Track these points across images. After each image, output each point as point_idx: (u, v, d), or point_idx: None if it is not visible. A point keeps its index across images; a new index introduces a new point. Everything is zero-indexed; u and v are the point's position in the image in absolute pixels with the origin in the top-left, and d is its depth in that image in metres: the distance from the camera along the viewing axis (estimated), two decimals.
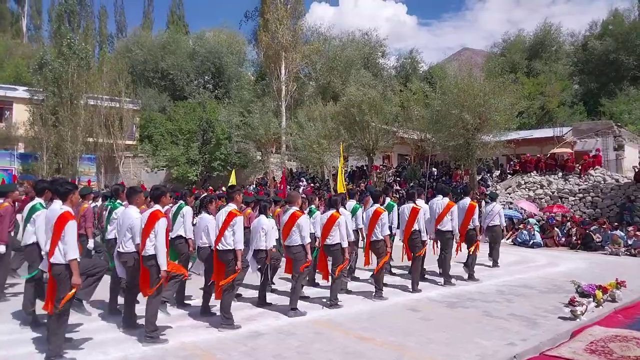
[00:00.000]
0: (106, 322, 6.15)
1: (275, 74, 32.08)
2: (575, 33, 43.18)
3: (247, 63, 43.41)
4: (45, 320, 5.63)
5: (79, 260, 4.89)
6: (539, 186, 19.72)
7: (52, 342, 4.80)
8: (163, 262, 5.38)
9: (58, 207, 5.20)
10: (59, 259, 4.78)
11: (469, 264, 9.39)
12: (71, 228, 4.79)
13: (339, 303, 7.11)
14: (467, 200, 9.62)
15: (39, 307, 6.04)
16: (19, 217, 7.21)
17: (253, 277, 7.46)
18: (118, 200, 7.12)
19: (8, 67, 39.28)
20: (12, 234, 7.21)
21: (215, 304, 6.53)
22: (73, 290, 4.80)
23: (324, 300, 7.32)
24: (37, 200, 6.25)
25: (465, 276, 9.38)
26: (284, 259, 7.39)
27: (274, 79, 32.23)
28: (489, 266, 10.93)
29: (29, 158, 27.90)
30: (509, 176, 22.42)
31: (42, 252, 5.76)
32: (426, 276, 9.40)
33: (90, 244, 8.04)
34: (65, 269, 4.79)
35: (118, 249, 5.80)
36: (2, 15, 51.27)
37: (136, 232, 5.60)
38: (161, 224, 5.43)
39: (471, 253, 9.39)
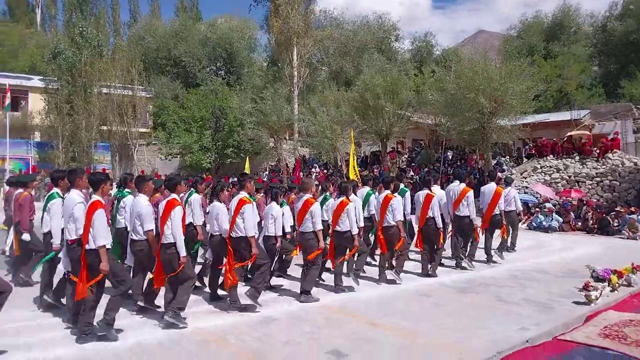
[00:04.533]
0: (122, 309, 6.25)
1: (287, 59, 31.93)
2: (595, 14, 42.13)
3: (259, 49, 43.30)
4: (65, 305, 5.79)
5: (108, 247, 5.08)
6: (555, 170, 19.43)
7: (83, 322, 5.06)
8: (181, 248, 5.51)
9: (76, 195, 5.33)
10: (91, 245, 4.99)
11: (502, 247, 9.74)
12: (100, 216, 5.02)
13: (345, 287, 7.20)
14: (493, 186, 9.65)
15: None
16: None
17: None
18: (127, 189, 7.17)
19: (23, 56, 39.70)
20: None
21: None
22: (100, 275, 5.02)
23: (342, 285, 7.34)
24: (55, 189, 6.34)
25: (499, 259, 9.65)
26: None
27: (286, 64, 32.09)
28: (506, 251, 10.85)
29: (45, 147, 28.34)
30: (525, 160, 22.13)
31: (52, 240, 5.90)
32: (442, 262, 9.38)
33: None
34: (95, 255, 4.98)
35: (131, 237, 5.91)
36: (17, 5, 51.68)
37: (144, 219, 5.68)
38: (177, 212, 5.56)
39: (505, 237, 9.76)
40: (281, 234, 7.01)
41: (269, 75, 37.40)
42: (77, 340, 5.03)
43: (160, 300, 6.06)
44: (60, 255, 5.72)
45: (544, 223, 15.04)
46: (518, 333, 5.31)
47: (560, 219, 15.11)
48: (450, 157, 24.22)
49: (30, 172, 23.17)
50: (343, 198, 7.12)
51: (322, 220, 7.09)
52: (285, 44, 31.87)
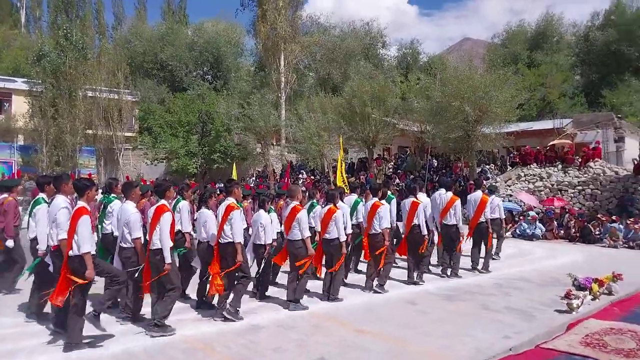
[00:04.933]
0: (107, 315, 6.21)
1: (275, 65, 31.98)
2: (577, 23, 42.92)
3: (246, 53, 43.25)
4: (51, 313, 5.72)
5: (93, 253, 5.04)
6: (538, 178, 19.74)
7: (70, 334, 5.01)
8: (167, 255, 5.51)
9: (61, 200, 5.31)
10: (75, 252, 4.95)
11: (487, 256, 9.73)
12: (85, 222, 4.98)
13: (338, 297, 7.18)
14: (479, 193, 9.76)
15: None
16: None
17: (252, 270, 7.53)
18: (112, 195, 7.14)
19: (6, 58, 39.06)
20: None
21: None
22: (85, 281, 4.97)
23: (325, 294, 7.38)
24: (40, 195, 6.29)
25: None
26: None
27: (273, 70, 32.13)
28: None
29: (28, 150, 27.89)
30: (509, 168, 22.45)
31: (38, 246, 5.84)
32: (429, 269, 9.50)
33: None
34: (79, 261, 4.93)
35: (120, 245, 5.88)
36: (1, 6, 50.96)
37: (132, 226, 5.67)
38: (166, 218, 5.57)
39: (490, 245, 9.73)
40: (270, 241, 7.02)
41: (256, 81, 37.38)
42: (64, 349, 4.98)
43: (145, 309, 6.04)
44: (47, 260, 5.68)
45: (527, 231, 15.27)
46: (502, 341, 5.40)
47: (543, 227, 15.36)
48: (435, 164, 24.44)
49: (15, 177, 22.80)
50: (331, 205, 7.17)
51: (310, 227, 7.11)
52: (273, 49, 31.93)
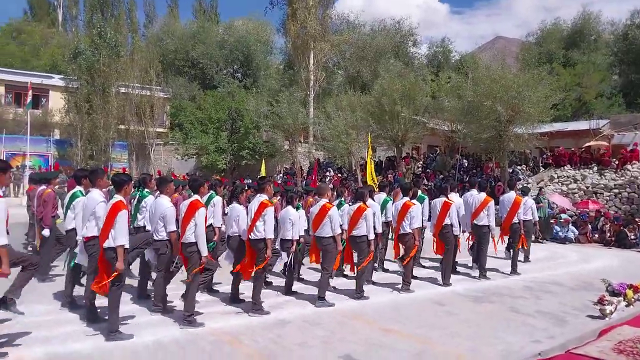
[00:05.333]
0: (138, 306, 6.36)
1: (304, 63, 32.06)
2: (616, 22, 41.43)
3: (275, 52, 43.53)
4: (84, 302, 5.91)
5: (127, 247, 5.20)
6: (572, 180, 19.23)
7: (110, 319, 5.18)
8: (203, 248, 5.64)
9: (97, 195, 5.50)
10: (110, 244, 5.11)
11: (514, 258, 9.58)
12: (123, 216, 5.15)
13: (364, 295, 7.17)
14: (512, 194, 9.64)
15: (78, 290, 6.38)
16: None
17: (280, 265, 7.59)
18: (146, 190, 7.31)
19: (44, 55, 40.42)
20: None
21: (243, 291, 6.72)
22: (115, 273, 5.11)
23: (352, 291, 7.38)
24: (78, 188, 6.50)
25: (507, 269, 9.50)
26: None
27: (302, 68, 32.20)
28: (520, 261, 10.80)
29: (64, 144, 28.83)
30: (542, 169, 21.92)
31: (77, 238, 6.06)
32: (457, 269, 9.40)
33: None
34: (113, 252, 5.10)
35: (153, 237, 6.02)
36: (38, 5, 52.65)
37: (168, 220, 5.79)
38: (201, 213, 5.69)
39: (518, 247, 9.60)
40: (298, 237, 7.07)
41: (285, 79, 37.57)
42: (105, 339, 5.12)
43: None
44: (77, 251, 5.87)
45: (560, 234, 14.90)
46: (531, 345, 5.30)
47: (576, 231, 14.96)
48: (465, 164, 24.08)
49: (52, 170, 23.60)
50: (360, 203, 7.15)
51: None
52: (302, 47, 31.99)
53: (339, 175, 26.15)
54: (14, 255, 4.99)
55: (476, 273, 8.95)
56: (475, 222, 8.87)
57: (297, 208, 7.38)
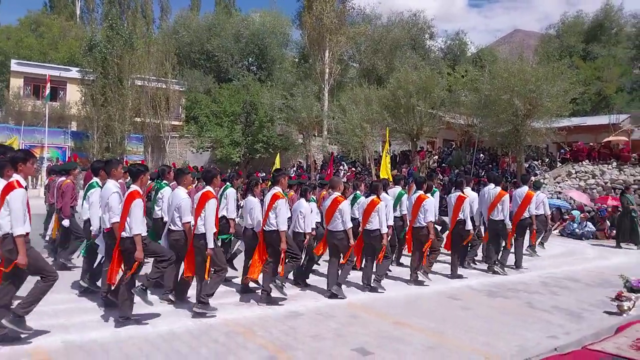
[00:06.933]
0: (153, 297, 6.43)
1: (319, 56, 31.93)
2: (638, 15, 40.55)
3: (291, 45, 43.41)
4: (101, 291, 5.99)
5: (144, 235, 5.24)
6: (590, 176, 18.91)
7: (122, 308, 5.25)
8: (210, 240, 5.64)
9: (112, 185, 5.54)
10: (127, 234, 5.18)
11: (518, 253, 9.43)
12: (138, 206, 5.19)
13: (379, 290, 7.17)
14: (524, 189, 9.54)
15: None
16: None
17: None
18: (164, 181, 7.36)
19: (62, 48, 40.88)
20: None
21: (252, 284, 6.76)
22: (136, 263, 5.17)
23: (364, 283, 7.37)
24: (94, 179, 6.58)
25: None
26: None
27: (317, 61, 32.08)
28: (526, 254, 10.69)
29: (81, 136, 29.19)
30: (559, 165, 21.60)
31: (91, 228, 6.12)
32: (472, 264, 9.34)
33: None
34: (130, 242, 5.15)
35: (168, 227, 6.08)
36: None
37: (184, 211, 5.82)
38: (211, 205, 5.69)
39: (532, 243, 9.75)
40: (309, 230, 7.06)
41: (300, 72, 37.49)
42: (115, 325, 5.21)
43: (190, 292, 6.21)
44: (97, 241, 5.95)
45: (577, 230, 14.68)
46: (547, 341, 5.23)
47: (593, 227, 14.72)
48: (482, 159, 23.84)
49: (72, 161, 23.96)
50: (374, 197, 7.12)
51: (353, 219, 7.10)
52: (318, 40, 31.86)
53: (353, 169, 26.08)
54: (40, 262, 4.78)
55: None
56: (491, 217, 8.79)
57: (310, 201, 7.37)
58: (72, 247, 7.74)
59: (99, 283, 6.26)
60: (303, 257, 7.30)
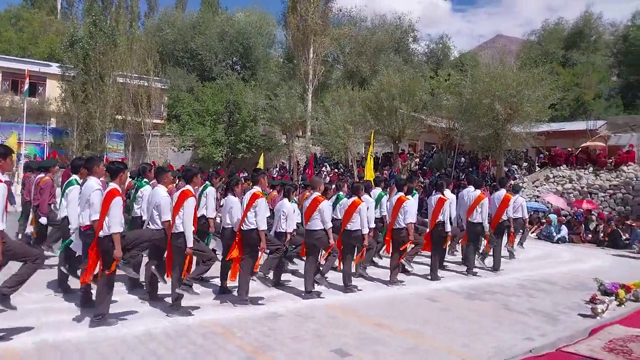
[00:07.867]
0: (132, 297, 6.36)
1: (303, 57, 31.93)
2: (617, 23, 41.48)
3: (275, 45, 43.33)
4: (79, 290, 5.88)
5: (123, 234, 5.18)
6: (568, 180, 19.29)
7: (98, 306, 5.19)
8: (189, 239, 5.59)
9: (93, 182, 5.44)
10: (105, 232, 5.10)
11: (496, 255, 9.48)
12: (117, 204, 5.13)
13: (356, 288, 7.19)
14: (502, 192, 9.65)
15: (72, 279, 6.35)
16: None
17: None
18: (145, 179, 7.27)
19: (43, 43, 40.12)
20: (53, 207, 7.55)
21: (231, 284, 6.72)
22: (115, 262, 5.11)
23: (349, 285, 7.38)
24: (73, 176, 6.47)
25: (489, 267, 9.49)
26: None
27: (302, 62, 32.08)
28: (505, 257, 10.85)
29: (60, 133, 28.65)
30: (537, 169, 21.96)
31: (70, 226, 6.00)
32: (446, 265, 9.44)
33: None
34: (109, 241, 5.07)
35: (147, 226, 6.00)
36: None
37: (163, 209, 5.77)
38: (189, 203, 5.65)
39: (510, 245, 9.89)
40: (291, 230, 7.05)
41: (284, 72, 37.41)
42: (90, 324, 5.13)
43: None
44: (73, 238, 5.84)
45: (553, 233, 14.95)
46: (523, 342, 5.32)
47: (567, 230, 15.00)
48: (462, 162, 24.09)
49: (51, 158, 23.48)
50: (355, 198, 7.15)
51: (334, 219, 7.11)
52: (302, 41, 31.86)
53: (335, 170, 26.12)
54: (21, 249, 4.82)
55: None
56: (469, 219, 8.89)
57: (292, 201, 7.37)
58: (55, 235, 7.58)
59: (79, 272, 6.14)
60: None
